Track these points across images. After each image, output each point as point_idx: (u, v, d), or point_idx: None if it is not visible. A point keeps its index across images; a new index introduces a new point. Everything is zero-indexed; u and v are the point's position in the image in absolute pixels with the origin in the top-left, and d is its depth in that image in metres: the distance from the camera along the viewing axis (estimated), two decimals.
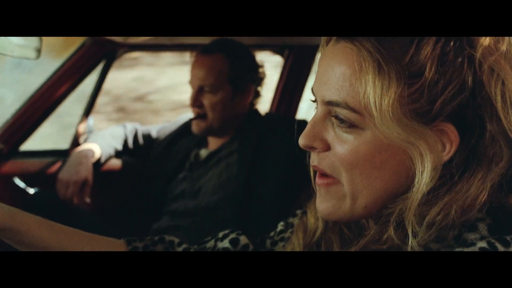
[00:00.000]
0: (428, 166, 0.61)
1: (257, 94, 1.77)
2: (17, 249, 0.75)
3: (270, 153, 1.62)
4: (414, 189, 0.62)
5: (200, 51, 1.69)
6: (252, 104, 1.77)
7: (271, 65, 2.15)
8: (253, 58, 1.74)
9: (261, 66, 1.76)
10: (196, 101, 1.65)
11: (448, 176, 0.62)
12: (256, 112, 1.78)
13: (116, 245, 0.82)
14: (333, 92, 0.64)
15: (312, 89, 0.69)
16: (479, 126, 0.62)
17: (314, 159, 0.68)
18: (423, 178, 0.61)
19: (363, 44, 0.62)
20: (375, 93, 0.61)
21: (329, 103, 0.65)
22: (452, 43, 0.61)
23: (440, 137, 0.62)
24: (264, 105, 1.89)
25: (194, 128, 1.69)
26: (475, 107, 0.62)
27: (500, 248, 0.57)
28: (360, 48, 0.62)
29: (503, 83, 0.61)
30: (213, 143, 1.74)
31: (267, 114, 1.84)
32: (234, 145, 1.69)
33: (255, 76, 1.73)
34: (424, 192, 0.61)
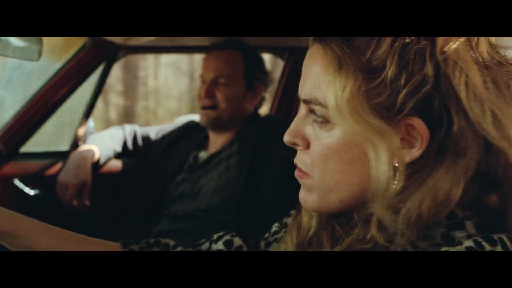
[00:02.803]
0: (383, 158, 0.62)
1: (263, 99, 1.80)
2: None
3: (269, 156, 1.62)
4: (373, 184, 0.63)
5: (214, 47, 1.72)
6: (257, 108, 1.78)
7: None
8: (263, 61, 1.78)
9: (271, 74, 1.81)
10: (209, 92, 1.67)
11: (421, 172, 0.63)
12: (256, 114, 1.78)
13: (112, 247, 0.83)
14: (307, 90, 0.67)
15: (298, 91, 0.71)
16: (447, 118, 0.62)
17: (297, 157, 0.71)
18: (379, 171, 0.63)
19: (329, 44, 0.65)
20: (334, 88, 0.63)
21: (304, 101, 0.68)
22: (412, 36, 0.62)
23: (410, 131, 0.63)
24: (264, 107, 1.90)
25: (203, 118, 1.70)
26: (441, 99, 0.62)
27: (487, 247, 0.57)
28: (326, 48, 0.65)
29: (467, 75, 0.61)
30: (213, 145, 1.75)
31: (266, 116, 1.84)
32: (234, 147, 1.69)
33: (266, 78, 1.77)
34: (387, 186, 0.62)
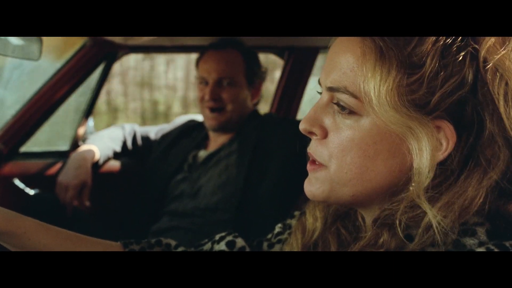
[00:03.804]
0: (427, 150, 0.61)
1: (261, 96, 1.81)
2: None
3: (269, 154, 1.62)
4: (415, 176, 0.62)
5: (212, 47, 1.71)
6: (255, 106, 1.79)
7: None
8: (259, 58, 1.79)
9: (266, 68, 1.81)
10: (214, 94, 1.66)
11: (445, 175, 0.62)
12: (256, 113, 1.78)
13: (113, 247, 0.83)
14: (335, 78, 0.65)
15: (319, 80, 0.70)
16: (477, 125, 0.62)
17: (311, 146, 0.69)
18: (423, 162, 0.61)
19: None
20: (375, 78, 0.61)
21: (330, 89, 0.66)
22: (456, 37, 0.61)
23: (437, 134, 0.62)
24: (264, 106, 1.90)
25: (212, 122, 1.69)
26: (474, 105, 0.62)
27: None
28: (365, 37, 0.63)
29: (506, 84, 0.60)
30: (213, 144, 1.74)
31: (266, 115, 1.84)
32: (234, 146, 1.69)
33: (264, 75, 1.78)
34: (424, 180, 0.61)
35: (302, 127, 0.68)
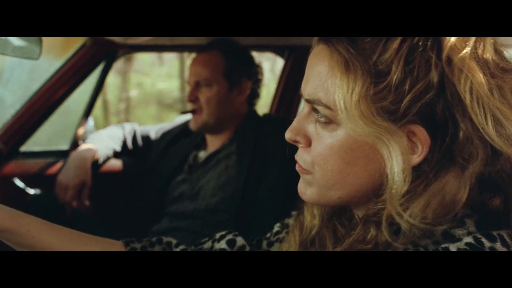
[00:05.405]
0: (397, 157, 0.62)
1: (255, 94, 1.78)
2: (17, 250, 0.76)
3: (269, 155, 1.62)
4: (389, 183, 0.64)
5: (197, 50, 1.73)
6: (252, 104, 1.78)
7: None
8: (249, 55, 1.77)
9: (259, 66, 1.78)
10: (192, 96, 1.69)
11: (423, 177, 0.64)
12: (255, 113, 1.78)
13: (115, 246, 0.83)
14: (311, 91, 0.67)
15: (300, 90, 0.71)
16: (452, 125, 0.63)
17: (298, 154, 0.72)
18: (393, 170, 0.63)
19: (335, 45, 0.65)
20: (342, 90, 0.63)
21: (308, 101, 0.69)
22: (418, 42, 0.62)
23: (411, 138, 0.64)
24: (263, 106, 1.89)
25: (192, 124, 1.72)
26: (446, 106, 0.63)
27: (486, 243, 0.58)
28: (332, 49, 0.65)
29: (471, 82, 0.61)
30: (212, 144, 1.74)
31: (265, 115, 1.84)
32: (233, 146, 1.69)
33: (251, 72, 1.75)
34: (401, 186, 0.62)
35: (287, 136, 0.71)
